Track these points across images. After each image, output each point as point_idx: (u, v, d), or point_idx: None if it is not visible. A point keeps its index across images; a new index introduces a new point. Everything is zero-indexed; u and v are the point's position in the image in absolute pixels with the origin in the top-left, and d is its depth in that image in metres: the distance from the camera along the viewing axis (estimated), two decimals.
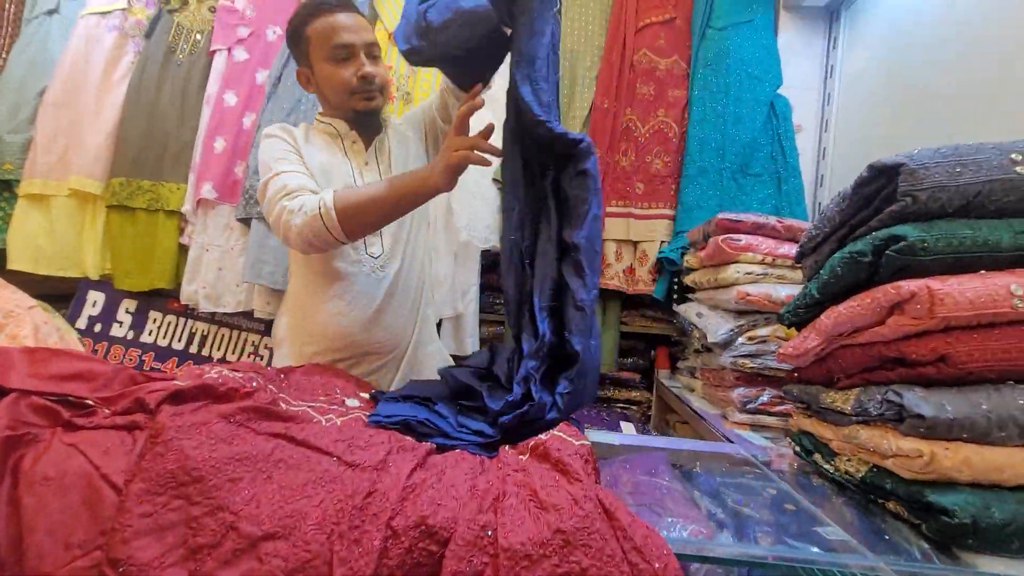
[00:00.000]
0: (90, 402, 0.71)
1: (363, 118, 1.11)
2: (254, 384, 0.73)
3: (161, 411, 0.62)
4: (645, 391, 1.91)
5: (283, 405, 0.74)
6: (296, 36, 1.07)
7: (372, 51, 1.07)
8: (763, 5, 1.75)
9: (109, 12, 1.88)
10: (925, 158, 0.66)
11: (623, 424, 1.56)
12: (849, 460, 0.77)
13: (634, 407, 1.89)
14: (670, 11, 1.73)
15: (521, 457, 0.66)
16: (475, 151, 0.89)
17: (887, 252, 0.66)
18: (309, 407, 0.76)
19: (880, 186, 0.71)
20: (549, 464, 0.60)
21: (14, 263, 1.75)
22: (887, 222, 0.69)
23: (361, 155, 1.12)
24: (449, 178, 0.90)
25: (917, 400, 0.62)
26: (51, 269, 1.79)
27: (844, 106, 1.74)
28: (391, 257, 1.12)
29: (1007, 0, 1.12)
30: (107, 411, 0.72)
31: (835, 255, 0.77)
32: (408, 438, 0.69)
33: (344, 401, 0.81)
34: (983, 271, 0.64)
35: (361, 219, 0.94)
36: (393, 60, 1.81)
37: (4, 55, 1.92)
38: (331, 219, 0.92)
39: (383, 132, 1.16)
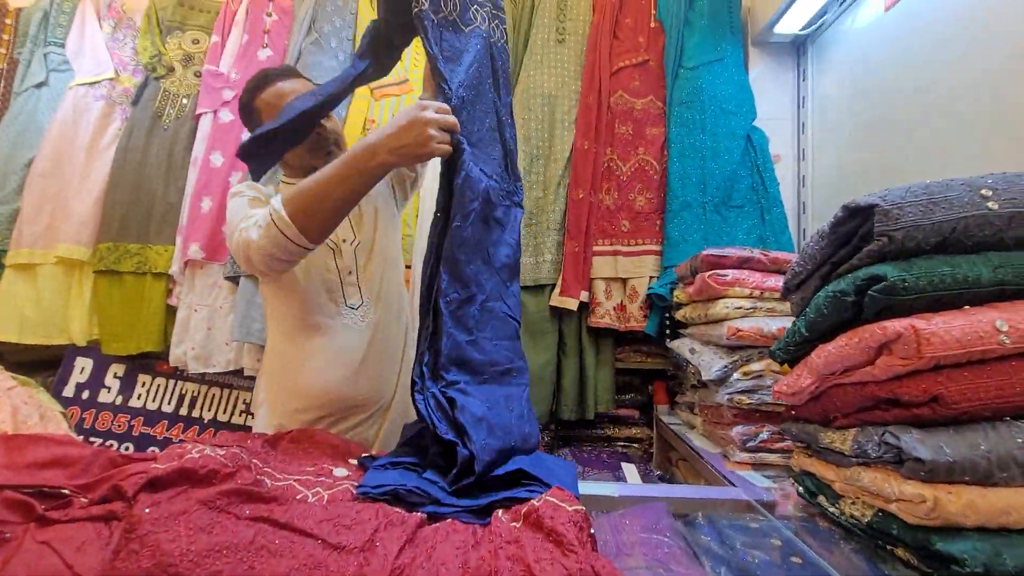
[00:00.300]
0: (66, 491, 0.69)
1: None
2: (239, 460, 0.71)
3: (138, 500, 0.60)
4: (645, 427, 1.87)
5: (268, 481, 0.71)
6: (247, 110, 1.10)
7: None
8: (731, 43, 1.81)
9: (97, 82, 1.93)
10: (897, 197, 0.66)
11: (624, 466, 1.53)
12: (854, 503, 0.75)
13: (635, 445, 1.86)
14: (642, 54, 1.78)
15: (514, 525, 0.63)
16: (431, 127, 0.81)
17: (869, 292, 0.66)
18: (295, 481, 0.74)
19: (857, 225, 0.71)
20: (543, 534, 0.58)
21: (0, 334, 1.73)
22: (866, 261, 0.69)
23: None
24: (403, 159, 0.85)
25: (914, 443, 0.61)
26: (37, 338, 1.77)
27: (818, 134, 1.78)
28: (371, 307, 1.11)
29: (963, 27, 1.16)
30: (84, 500, 0.69)
31: (819, 293, 0.77)
32: (397, 510, 0.67)
33: (332, 471, 0.78)
34: (966, 307, 0.64)
35: (311, 208, 0.86)
36: (376, 113, 1.85)
37: None
38: (282, 219, 0.87)
39: None
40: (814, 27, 1.72)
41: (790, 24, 1.73)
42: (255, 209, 0.97)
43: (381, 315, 1.12)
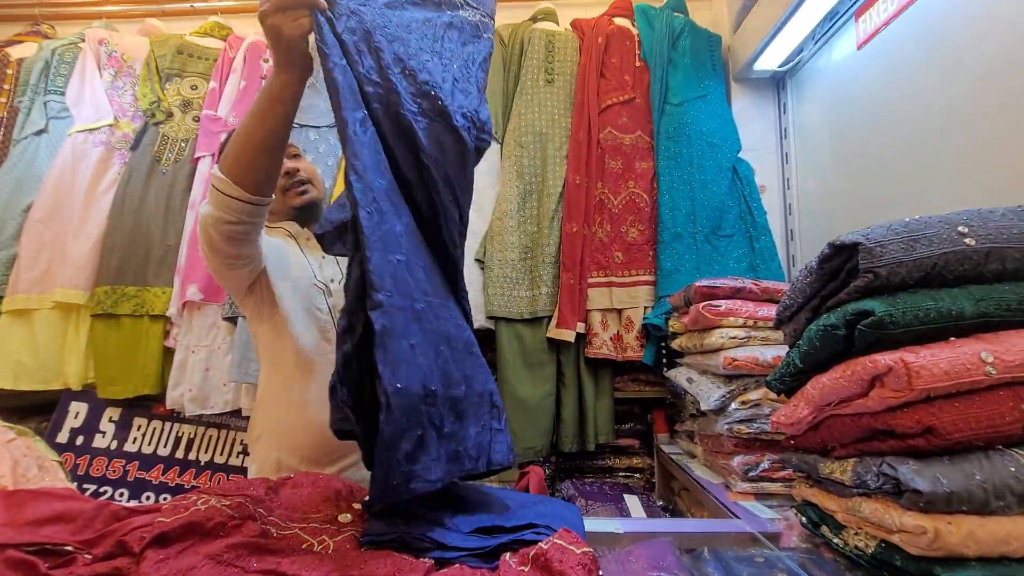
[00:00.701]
0: (69, 548, 0.68)
1: (305, 213, 1.16)
2: (245, 511, 0.71)
3: (146, 557, 0.60)
4: (646, 456, 1.87)
5: (273, 531, 0.71)
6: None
7: (288, 151, 1.12)
8: (714, 79, 1.88)
9: (96, 128, 1.96)
10: (879, 235, 0.69)
11: (627, 498, 1.52)
12: (857, 534, 0.76)
13: (636, 475, 1.85)
14: (628, 92, 1.85)
15: (523, 569, 0.63)
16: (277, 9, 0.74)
17: (859, 327, 0.68)
18: (299, 529, 0.74)
19: (843, 261, 0.74)
20: None
21: None
22: (854, 296, 0.71)
23: (317, 250, 1.14)
24: (284, 60, 0.78)
25: (911, 474, 0.62)
26: (32, 384, 1.75)
27: (801, 164, 1.84)
28: None
29: (930, 64, 1.23)
30: (88, 556, 0.69)
31: (811, 326, 0.79)
32: (405, 557, 0.67)
33: (336, 517, 0.78)
34: (951, 338, 0.66)
35: (240, 156, 0.84)
36: None
37: None
38: (219, 178, 0.85)
39: None
40: (792, 64, 1.80)
41: (769, 61, 1.81)
42: None
43: None
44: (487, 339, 1.81)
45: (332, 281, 1.14)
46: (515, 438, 1.68)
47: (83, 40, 2.10)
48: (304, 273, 1.11)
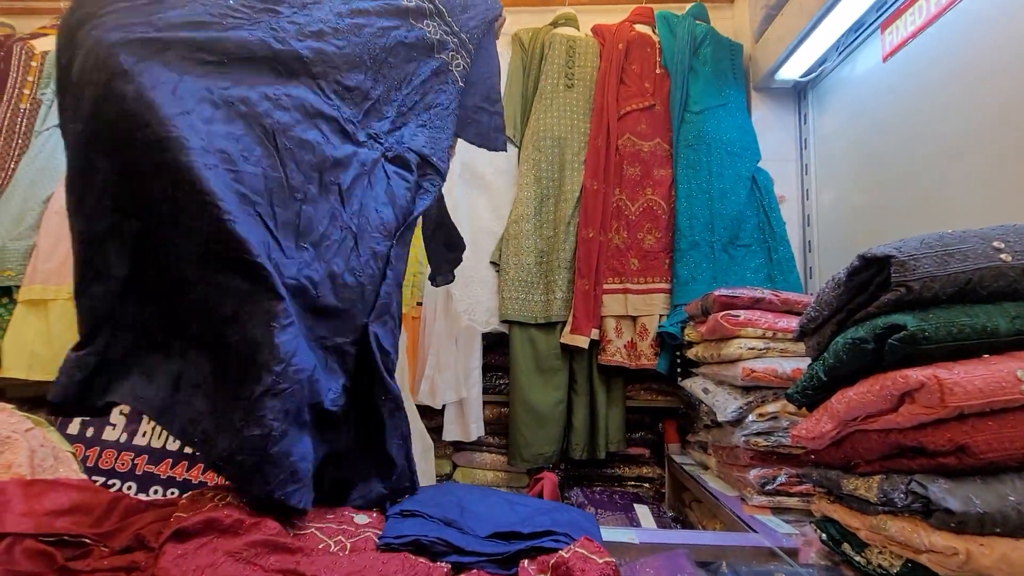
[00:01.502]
0: (87, 540, 0.68)
1: None
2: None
3: (164, 552, 0.59)
4: (657, 466, 1.85)
5: (290, 531, 0.71)
6: None
7: None
8: (734, 89, 1.87)
9: None
10: (912, 248, 0.68)
11: (638, 507, 1.50)
12: (881, 553, 0.74)
13: (646, 484, 1.83)
14: (649, 99, 1.85)
15: None
16: None
17: (889, 341, 0.66)
18: (316, 529, 0.73)
19: (873, 274, 0.73)
20: None
21: (8, 370, 1.73)
22: (884, 310, 0.70)
23: None
24: None
25: (943, 493, 0.61)
26: (45, 374, 1.76)
27: (821, 175, 1.82)
28: None
29: (959, 78, 1.21)
30: (105, 549, 0.68)
31: (838, 340, 0.78)
32: (422, 560, 0.66)
33: (352, 518, 0.78)
34: (985, 355, 0.65)
35: None
36: None
37: (13, 166, 1.99)
38: None
39: None
40: (814, 74, 1.79)
41: (791, 71, 1.79)
42: None
43: None
44: (500, 343, 1.80)
45: None
46: (526, 444, 1.67)
47: None
48: None
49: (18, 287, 1.81)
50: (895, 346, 0.66)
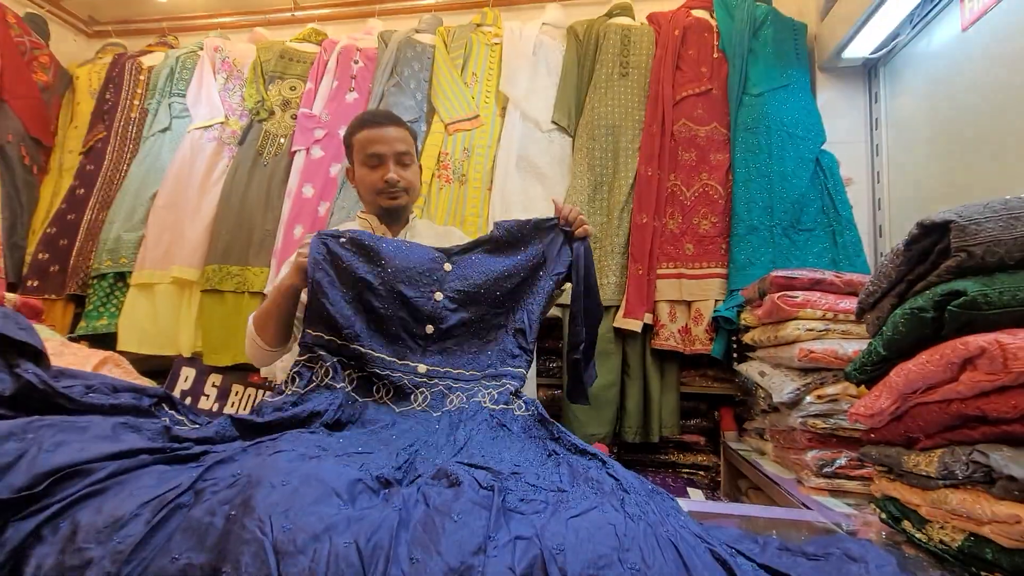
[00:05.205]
0: None
1: (389, 214, 1.27)
2: None
3: None
4: (712, 455, 1.83)
5: None
6: (347, 143, 1.29)
7: (402, 159, 1.24)
8: (797, 69, 1.82)
9: (210, 126, 2.20)
10: (975, 213, 0.67)
11: (690, 491, 1.50)
12: (943, 528, 0.73)
13: (701, 472, 1.81)
14: (705, 83, 1.83)
15: None
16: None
17: (949, 308, 0.65)
18: None
19: (933, 242, 0.72)
20: None
21: (123, 345, 1.98)
22: (945, 277, 0.69)
23: None
24: (295, 274, 1.05)
25: (1006, 461, 0.60)
26: (153, 349, 1.99)
27: (894, 156, 1.73)
28: None
29: None
30: None
31: (896, 311, 0.77)
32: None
33: None
34: None
35: (263, 321, 1.13)
36: (449, 147, 1.99)
37: (126, 168, 2.27)
38: (249, 328, 1.15)
39: (406, 228, 1.31)
40: (886, 50, 1.70)
41: (860, 48, 1.72)
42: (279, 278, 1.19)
43: None
44: (554, 327, 1.85)
45: None
46: (579, 425, 1.70)
47: (201, 49, 2.38)
48: None
49: (130, 272, 2.07)
50: (955, 312, 0.65)
